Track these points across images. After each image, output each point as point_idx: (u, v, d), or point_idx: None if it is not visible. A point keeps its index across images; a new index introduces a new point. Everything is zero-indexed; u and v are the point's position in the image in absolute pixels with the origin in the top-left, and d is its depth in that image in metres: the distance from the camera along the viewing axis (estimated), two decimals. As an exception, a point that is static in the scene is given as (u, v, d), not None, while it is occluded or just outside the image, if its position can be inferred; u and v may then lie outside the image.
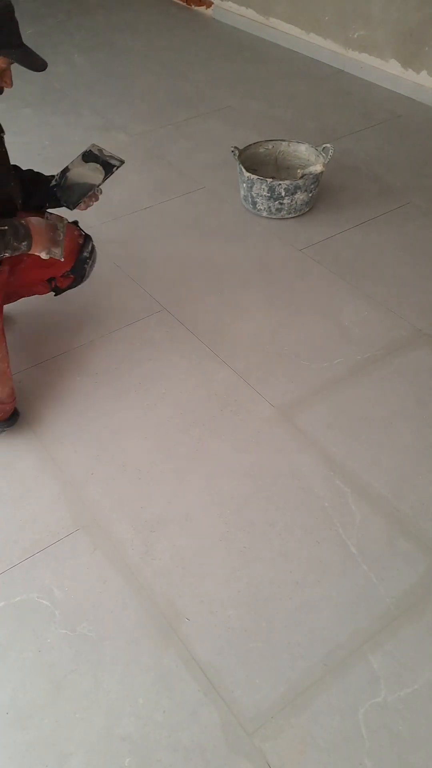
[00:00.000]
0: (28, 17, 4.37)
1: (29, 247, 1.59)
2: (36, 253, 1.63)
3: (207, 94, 3.49)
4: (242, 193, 2.60)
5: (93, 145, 1.78)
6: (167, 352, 2.01)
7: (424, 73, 3.37)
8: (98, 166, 1.76)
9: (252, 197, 2.53)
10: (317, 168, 2.47)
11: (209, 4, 4.48)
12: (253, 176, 2.45)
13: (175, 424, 1.79)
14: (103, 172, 1.75)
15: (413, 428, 1.78)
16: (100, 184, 1.73)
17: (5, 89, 1.57)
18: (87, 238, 1.88)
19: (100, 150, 1.77)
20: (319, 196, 2.66)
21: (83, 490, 1.64)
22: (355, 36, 3.60)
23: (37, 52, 1.61)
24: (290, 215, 2.56)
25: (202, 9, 4.54)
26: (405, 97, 3.45)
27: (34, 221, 1.61)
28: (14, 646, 1.36)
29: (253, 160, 2.63)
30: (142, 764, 1.20)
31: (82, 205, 1.76)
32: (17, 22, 1.55)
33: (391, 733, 1.24)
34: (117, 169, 1.75)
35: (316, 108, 3.37)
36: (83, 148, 1.77)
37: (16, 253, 1.59)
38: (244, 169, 2.48)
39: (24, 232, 1.57)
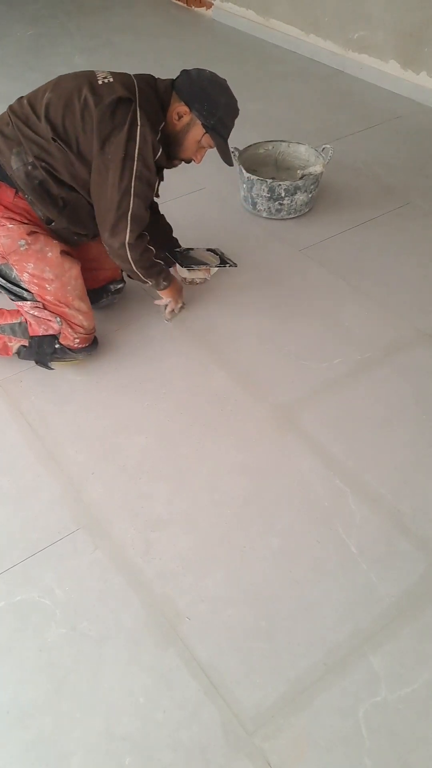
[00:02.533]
0: (29, 18, 4.38)
1: (164, 288, 1.98)
2: (162, 298, 2.06)
3: (207, 95, 3.49)
4: (242, 193, 2.61)
5: (218, 248, 2.27)
6: (167, 352, 2.01)
7: (423, 73, 3.37)
8: (217, 257, 2.21)
9: (252, 198, 2.54)
10: (317, 169, 2.47)
11: (209, 6, 4.49)
12: (253, 177, 2.45)
13: (175, 424, 1.80)
14: (218, 263, 2.18)
15: (413, 428, 1.79)
16: (212, 267, 2.16)
17: (192, 164, 1.87)
18: (122, 282, 2.14)
19: (222, 252, 2.25)
20: (319, 196, 2.67)
21: (83, 490, 1.64)
22: (355, 37, 3.60)
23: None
24: (290, 216, 2.56)
25: (202, 10, 4.55)
26: (405, 98, 3.46)
27: (178, 282, 2.07)
28: (15, 646, 1.36)
29: (252, 161, 2.63)
30: (143, 763, 1.21)
31: (187, 278, 2.15)
32: (234, 124, 1.79)
33: (391, 733, 1.24)
34: (229, 266, 2.18)
35: (316, 109, 3.37)
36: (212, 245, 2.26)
37: (152, 287, 1.95)
38: (244, 170, 2.48)
39: (170, 279, 1.97)
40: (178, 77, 1.73)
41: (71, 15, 4.48)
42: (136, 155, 1.61)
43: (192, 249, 2.22)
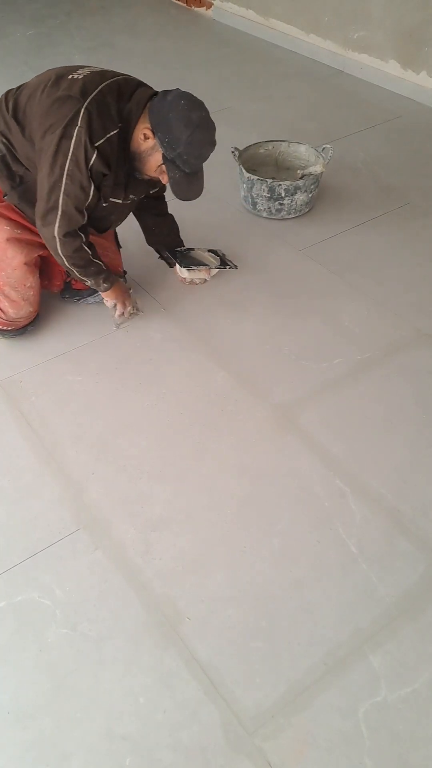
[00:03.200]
0: (29, 18, 4.37)
1: (105, 290, 1.93)
2: (105, 301, 2.01)
3: (207, 95, 3.45)
4: (242, 193, 2.61)
5: (219, 249, 2.25)
6: (167, 352, 2.01)
7: (423, 73, 3.37)
8: (218, 258, 2.20)
9: (252, 198, 2.54)
10: (317, 168, 2.47)
11: (209, 5, 4.49)
12: (253, 177, 2.45)
13: (175, 424, 1.80)
14: (218, 264, 2.18)
15: (413, 428, 1.79)
16: (212, 267, 2.16)
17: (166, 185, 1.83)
18: (125, 274, 2.16)
19: (224, 254, 2.25)
20: (319, 196, 2.67)
21: (83, 490, 1.64)
22: (355, 37, 3.60)
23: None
24: (290, 216, 2.56)
25: (202, 10, 4.55)
26: (405, 98, 3.45)
27: (122, 282, 2.02)
28: (15, 646, 1.36)
29: (253, 161, 2.63)
30: (143, 763, 1.21)
31: (187, 278, 2.16)
32: (205, 157, 1.73)
33: (392, 733, 1.24)
34: (228, 268, 2.19)
35: (316, 109, 3.37)
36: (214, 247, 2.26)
37: (92, 287, 1.91)
38: (244, 170, 2.48)
39: (112, 281, 1.92)
40: (156, 95, 1.68)
41: (71, 15, 4.48)
42: (69, 154, 1.59)
43: (193, 249, 2.23)
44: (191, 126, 1.62)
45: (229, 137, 3.03)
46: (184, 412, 1.83)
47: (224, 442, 1.75)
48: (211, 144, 1.70)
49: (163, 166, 1.70)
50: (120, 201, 1.83)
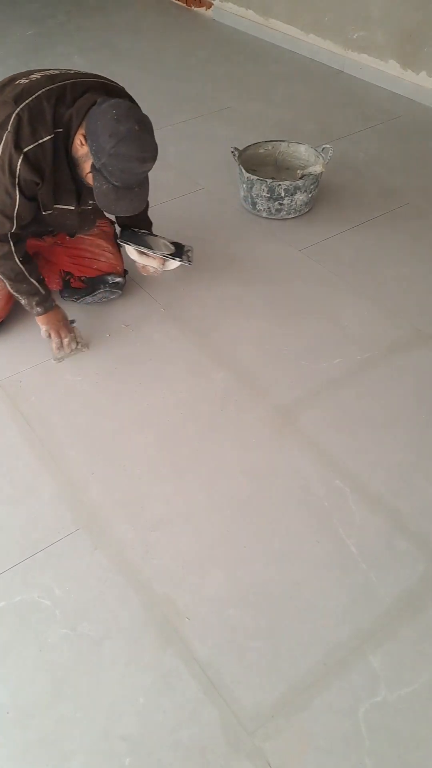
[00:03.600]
0: (29, 18, 4.37)
1: (38, 314, 1.89)
2: (39, 324, 1.94)
3: (206, 95, 3.50)
4: (242, 193, 2.61)
5: (190, 247, 2.09)
6: (167, 352, 2.01)
7: (423, 73, 3.37)
8: (173, 249, 2.04)
9: (252, 198, 2.54)
10: (317, 168, 2.47)
11: (209, 5, 4.49)
12: (252, 177, 2.45)
13: (175, 424, 1.80)
14: (171, 254, 2.01)
15: (413, 428, 1.79)
16: (156, 254, 1.97)
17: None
18: (125, 274, 2.12)
19: (190, 249, 2.08)
20: (318, 196, 2.67)
21: (83, 490, 1.64)
22: (355, 37, 3.60)
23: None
24: (290, 216, 2.56)
25: (201, 10, 4.55)
26: (404, 98, 3.46)
27: (62, 313, 1.96)
28: (15, 646, 1.36)
29: (252, 161, 2.63)
30: (142, 764, 1.21)
31: (138, 262, 2.01)
32: (135, 173, 1.63)
33: (391, 733, 1.24)
34: (181, 263, 2.01)
35: (316, 109, 3.37)
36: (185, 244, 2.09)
37: (25, 307, 1.89)
38: (243, 170, 2.48)
39: (46, 307, 1.89)
40: (96, 102, 1.63)
41: (71, 15, 4.48)
42: None
43: (154, 235, 2.07)
44: (116, 137, 1.55)
45: (228, 137, 3.03)
46: (184, 412, 1.83)
47: (224, 442, 1.75)
48: (139, 160, 1.59)
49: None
50: (72, 207, 1.79)
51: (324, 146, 2.56)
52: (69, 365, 1.96)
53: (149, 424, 1.80)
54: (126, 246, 1.98)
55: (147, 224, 2.08)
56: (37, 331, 2.07)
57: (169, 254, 2.00)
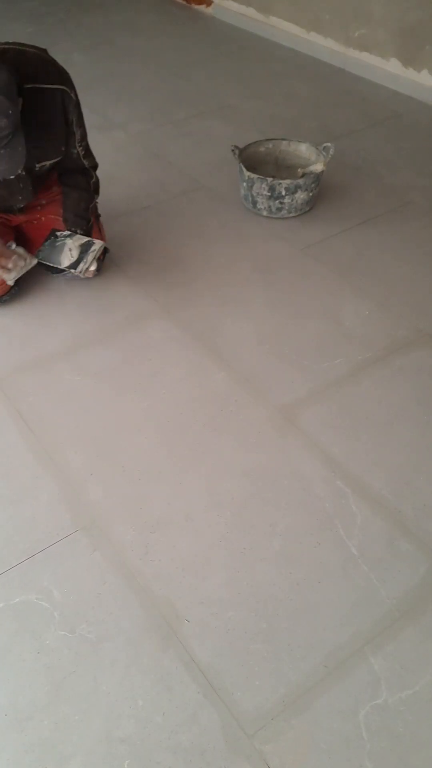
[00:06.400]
0: (28, 16, 4.36)
1: None
2: None
3: (207, 93, 3.49)
4: (242, 192, 2.60)
5: (106, 250, 2.14)
6: (167, 352, 2.00)
7: (425, 71, 3.36)
8: (79, 251, 2.07)
9: (252, 196, 2.53)
10: (318, 167, 2.46)
11: (209, 3, 4.47)
12: (253, 175, 2.44)
13: (174, 425, 1.79)
14: (69, 266, 2.06)
15: (414, 428, 1.78)
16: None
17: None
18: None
19: (103, 251, 2.12)
20: (319, 195, 2.66)
21: (83, 490, 1.63)
22: (356, 35, 3.59)
23: None
24: (291, 214, 2.55)
25: (202, 8, 4.54)
26: (406, 96, 3.45)
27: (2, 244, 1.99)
28: (13, 648, 1.35)
29: (253, 159, 2.62)
30: (141, 766, 1.20)
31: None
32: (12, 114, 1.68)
33: (392, 735, 1.23)
34: (67, 267, 2.05)
35: (317, 107, 3.36)
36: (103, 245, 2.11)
37: None
38: (244, 168, 2.47)
39: None
40: None
41: (71, 12, 4.47)
42: None
43: (73, 236, 2.10)
44: None
45: (228, 135, 3.02)
46: (184, 412, 1.82)
47: (224, 443, 1.74)
48: None
49: None
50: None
51: (325, 144, 2.55)
52: (68, 365, 1.95)
53: (149, 424, 1.79)
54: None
55: (75, 214, 2.10)
56: (37, 331, 2.07)
57: (67, 266, 2.06)
